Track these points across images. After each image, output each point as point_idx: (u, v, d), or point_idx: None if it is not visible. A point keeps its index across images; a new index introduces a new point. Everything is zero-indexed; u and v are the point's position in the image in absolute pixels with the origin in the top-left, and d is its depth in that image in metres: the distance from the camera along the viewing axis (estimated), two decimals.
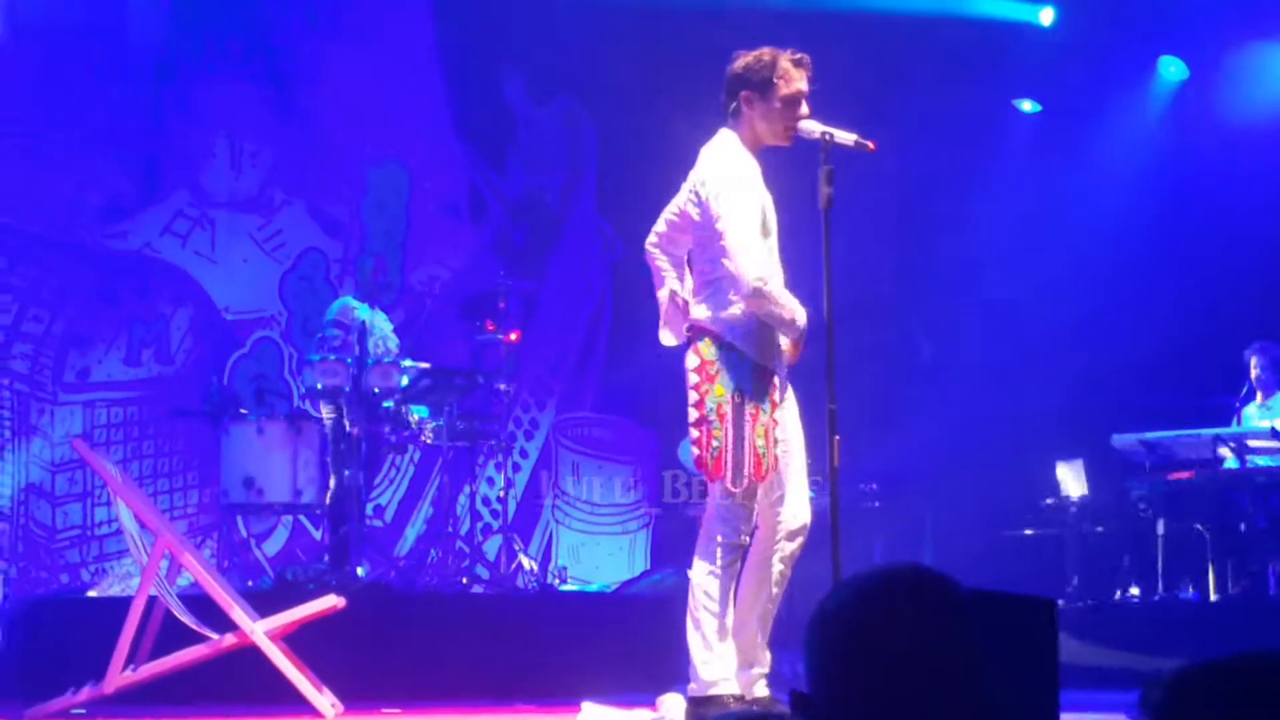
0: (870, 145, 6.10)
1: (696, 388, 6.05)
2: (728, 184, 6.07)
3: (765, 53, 6.19)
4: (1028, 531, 11.77)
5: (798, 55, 6.20)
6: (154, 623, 7.30)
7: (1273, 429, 10.68)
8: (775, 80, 6.13)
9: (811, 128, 6.11)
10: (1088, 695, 6.58)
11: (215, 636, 7.18)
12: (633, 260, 13.03)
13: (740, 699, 6.06)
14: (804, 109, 6.15)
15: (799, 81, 6.16)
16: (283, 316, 12.16)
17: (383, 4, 12.76)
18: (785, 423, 6.15)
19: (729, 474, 5.97)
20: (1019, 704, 2.42)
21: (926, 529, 12.37)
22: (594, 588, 11.64)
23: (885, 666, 2.24)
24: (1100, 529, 11.26)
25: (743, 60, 6.21)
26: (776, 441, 6.05)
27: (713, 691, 6.05)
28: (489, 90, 13.03)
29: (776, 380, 6.10)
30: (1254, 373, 11.00)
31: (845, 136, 6.10)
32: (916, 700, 2.23)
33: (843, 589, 2.34)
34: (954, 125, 12.56)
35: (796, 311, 6.06)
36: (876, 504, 11.33)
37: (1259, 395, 11.06)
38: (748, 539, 6.13)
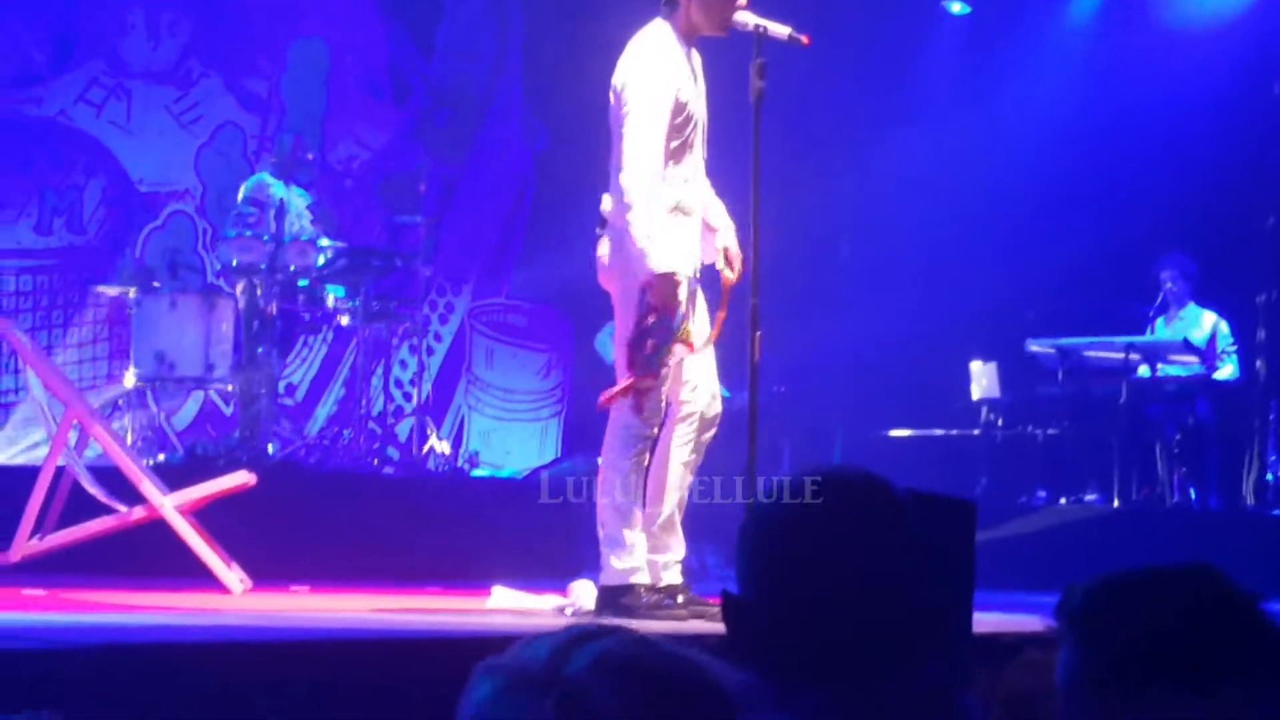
0: (804, 39, 6.06)
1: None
2: (642, 78, 6.01)
3: None
4: (939, 431, 11.85)
5: None
6: (62, 493, 7.23)
7: (1185, 340, 10.79)
8: None
9: (746, 19, 6.05)
10: (993, 595, 6.63)
11: (124, 509, 7.13)
12: (555, 150, 12.99)
13: (651, 588, 6.09)
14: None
15: None
16: (198, 190, 11.99)
17: None
18: (692, 310, 6.16)
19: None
20: (934, 605, 2.42)
21: (838, 427, 12.43)
22: (505, 473, 11.64)
23: (821, 568, 2.22)
24: (1011, 431, 11.36)
25: None
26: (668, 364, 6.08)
27: (624, 581, 6.08)
28: None
29: (684, 289, 6.09)
30: (1166, 285, 11.09)
31: (779, 29, 6.05)
32: (851, 602, 2.22)
33: (777, 489, 2.32)
34: (883, 24, 12.51)
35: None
36: (782, 389, 11.30)
37: (1172, 307, 11.16)
38: (657, 429, 6.15)
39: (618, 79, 6.09)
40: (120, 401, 10.21)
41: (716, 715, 1.62)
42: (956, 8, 13.05)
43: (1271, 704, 2.25)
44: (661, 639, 1.63)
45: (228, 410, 11.19)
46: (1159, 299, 11.11)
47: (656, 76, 6.01)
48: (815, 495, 2.26)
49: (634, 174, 5.93)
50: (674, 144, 6.07)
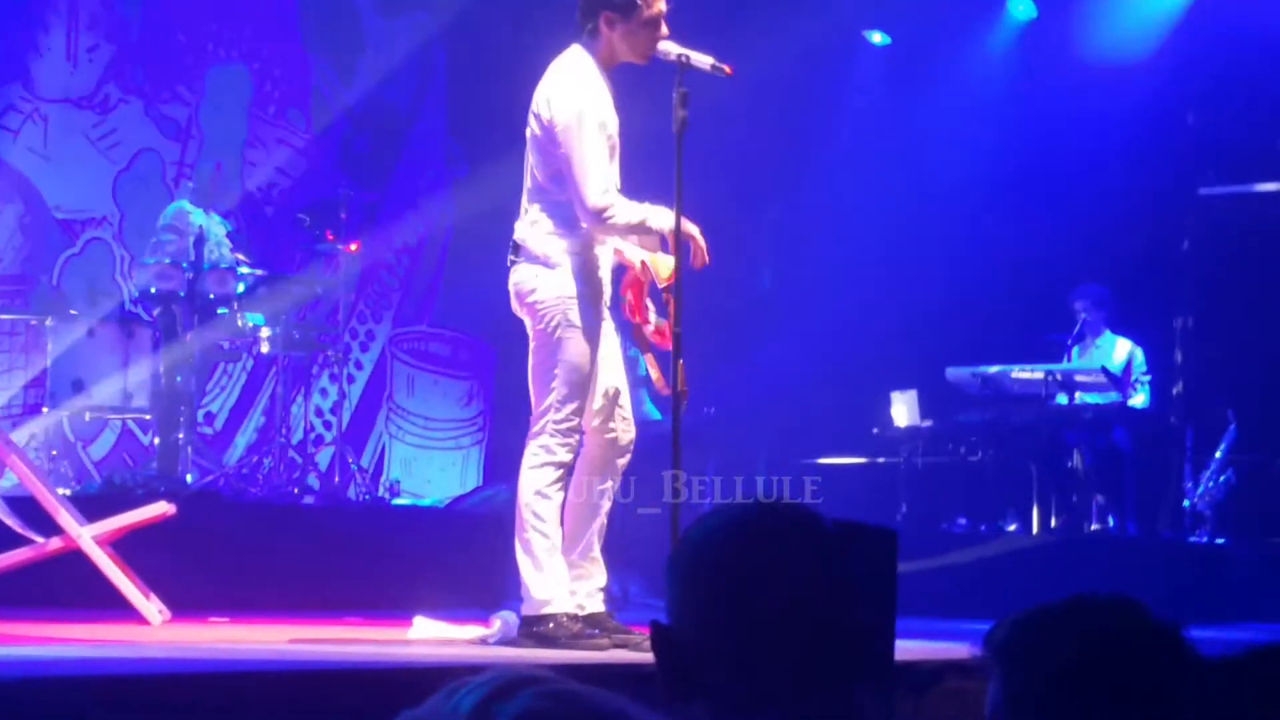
0: (727, 69, 6.10)
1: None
2: (573, 102, 6.04)
3: None
4: (860, 460, 11.90)
5: None
6: None
7: (1103, 368, 10.89)
8: (638, 2, 6.09)
9: (669, 49, 6.09)
10: (912, 622, 6.66)
11: (40, 540, 7.04)
12: (477, 177, 12.97)
13: (573, 617, 6.08)
14: (664, 29, 6.13)
15: (660, 2, 6.13)
16: (116, 218, 11.88)
17: None
18: (606, 338, 6.21)
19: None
20: (862, 632, 2.44)
21: (761, 453, 12.47)
22: (426, 502, 11.60)
23: (751, 597, 2.23)
24: (931, 460, 11.41)
25: None
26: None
27: (546, 610, 6.06)
28: None
29: (598, 307, 6.15)
30: (1080, 315, 11.19)
31: (702, 59, 6.09)
32: (781, 631, 2.24)
33: (709, 521, 2.34)
34: (805, 54, 12.57)
35: (648, 215, 6.06)
36: (711, 411, 11.30)
37: (1088, 336, 11.25)
38: (572, 457, 6.16)
39: (542, 107, 6.11)
40: (36, 430, 10.11)
41: None
42: (877, 38, 13.15)
43: None
44: (584, 687, 1.62)
45: (146, 439, 11.09)
46: (1076, 327, 11.21)
47: (587, 101, 6.05)
48: (745, 526, 2.28)
49: (597, 193, 5.99)
50: None
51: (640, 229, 6.09)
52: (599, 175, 6.01)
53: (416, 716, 1.61)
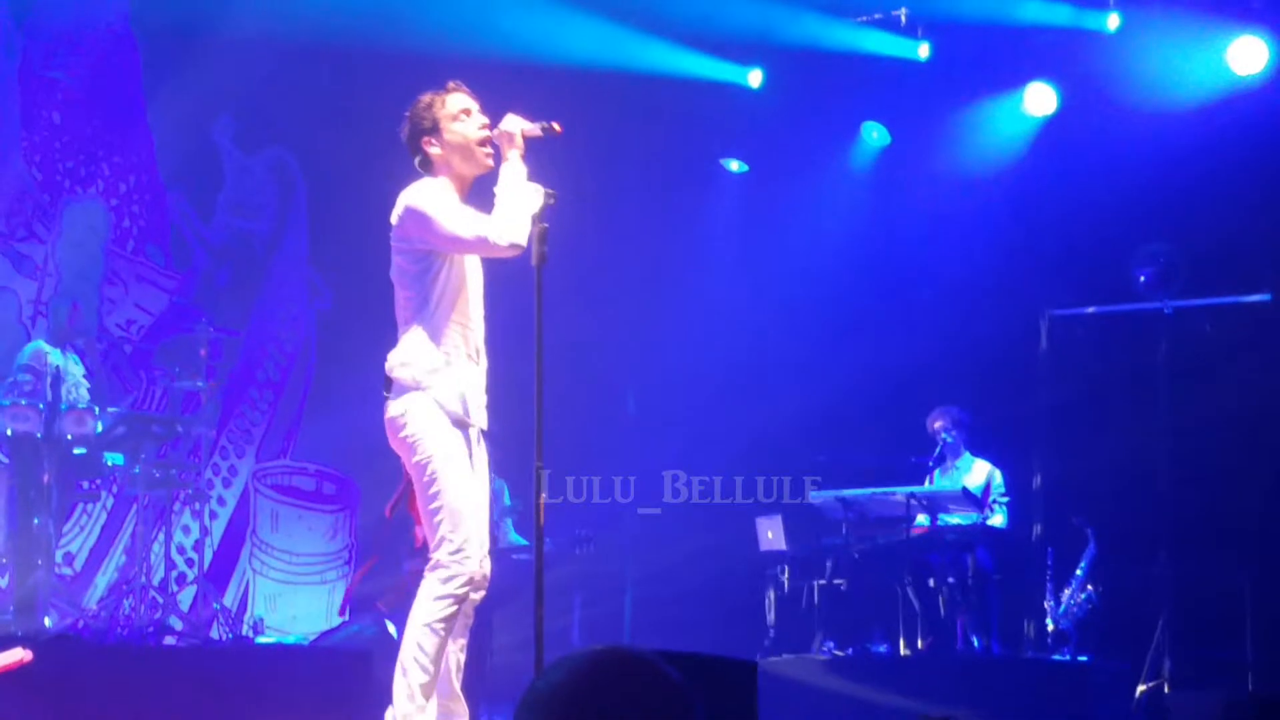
0: (556, 127, 6.17)
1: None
2: (424, 196, 6.07)
3: (420, 99, 6.25)
4: (726, 584, 11.89)
5: (447, 85, 6.26)
6: None
7: (962, 489, 11.00)
8: (438, 113, 6.18)
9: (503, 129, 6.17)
10: None
11: None
12: (339, 309, 12.97)
13: None
14: (478, 120, 6.19)
15: (459, 101, 6.21)
16: None
17: (89, 41, 12.43)
18: (474, 473, 6.17)
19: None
20: None
21: (627, 581, 12.45)
22: (291, 639, 11.46)
23: None
24: (797, 584, 11.42)
25: (407, 119, 6.25)
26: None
27: None
28: (197, 134, 12.80)
29: (469, 432, 6.12)
30: (940, 437, 11.30)
31: (531, 129, 6.16)
32: None
33: (553, 672, 2.36)
34: (663, 183, 12.71)
35: (515, 201, 6.03)
36: (582, 534, 11.29)
37: (948, 458, 11.37)
38: (467, 590, 6.09)
39: (400, 210, 6.12)
40: None
41: None
42: (735, 166, 13.30)
43: None
44: None
45: (2, 583, 10.89)
46: (937, 449, 11.32)
47: (447, 195, 6.09)
48: (587, 678, 2.30)
49: (475, 231, 5.98)
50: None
51: (524, 211, 6.03)
52: (467, 221, 6.01)
53: None
